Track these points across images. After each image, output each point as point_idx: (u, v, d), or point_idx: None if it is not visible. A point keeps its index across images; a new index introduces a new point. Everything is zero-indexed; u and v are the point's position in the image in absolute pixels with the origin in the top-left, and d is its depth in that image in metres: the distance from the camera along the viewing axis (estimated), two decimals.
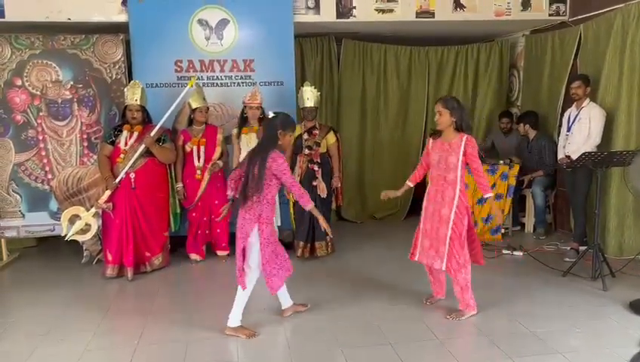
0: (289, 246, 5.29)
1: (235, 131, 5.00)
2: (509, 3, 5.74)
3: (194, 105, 4.92)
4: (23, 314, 3.98)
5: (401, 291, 4.09)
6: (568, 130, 5.04)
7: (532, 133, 5.91)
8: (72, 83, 5.08)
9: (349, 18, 5.56)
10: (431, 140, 3.76)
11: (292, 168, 5.07)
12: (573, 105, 5.05)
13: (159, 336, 3.50)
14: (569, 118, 5.07)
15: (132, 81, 4.86)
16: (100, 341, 3.47)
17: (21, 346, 3.39)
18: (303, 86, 5.08)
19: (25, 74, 5.01)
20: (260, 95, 4.91)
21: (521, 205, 6.19)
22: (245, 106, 4.91)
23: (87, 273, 4.90)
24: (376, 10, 5.58)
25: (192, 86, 4.88)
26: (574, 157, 4.64)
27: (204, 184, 4.95)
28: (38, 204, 5.15)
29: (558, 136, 5.49)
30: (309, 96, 4.96)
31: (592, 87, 4.97)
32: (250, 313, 3.62)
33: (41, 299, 4.25)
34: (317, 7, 5.49)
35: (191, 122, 5.03)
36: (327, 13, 5.51)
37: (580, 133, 4.90)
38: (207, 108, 5.00)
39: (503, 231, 5.81)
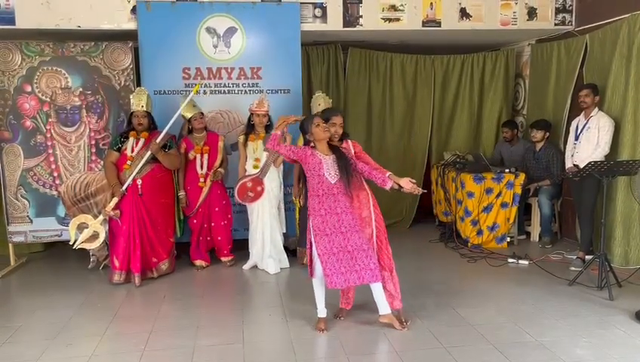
0: (294, 253, 5.33)
1: (241, 138, 5.03)
2: (515, 13, 5.77)
3: (188, 116, 4.96)
4: (31, 318, 4.00)
5: (407, 299, 4.08)
6: (576, 138, 5.04)
7: (541, 142, 5.90)
8: (81, 89, 5.14)
9: (355, 27, 5.60)
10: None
11: (300, 176, 5.10)
12: (582, 114, 5.06)
13: (166, 342, 3.51)
14: (577, 127, 5.07)
15: (138, 88, 4.91)
16: (107, 346, 3.48)
17: (28, 351, 3.41)
18: (315, 93, 5.09)
19: (35, 80, 5.07)
20: (267, 102, 4.94)
21: (527, 214, 6.19)
22: (252, 114, 4.94)
23: (94, 278, 4.93)
24: (383, 19, 5.61)
25: (196, 92, 4.93)
26: (582, 166, 4.64)
27: (205, 191, 4.99)
28: (46, 210, 5.19)
29: (564, 145, 5.50)
30: (321, 102, 4.99)
31: (599, 96, 4.98)
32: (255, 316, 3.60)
33: (48, 303, 4.28)
34: (324, 16, 5.53)
35: (190, 131, 5.07)
36: (334, 22, 5.55)
37: (589, 142, 4.89)
38: (202, 114, 5.03)
39: (508, 239, 5.81)
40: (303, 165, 3.58)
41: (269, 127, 4.98)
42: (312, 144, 3.56)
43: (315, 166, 3.49)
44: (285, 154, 3.59)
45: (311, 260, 3.69)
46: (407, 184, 3.55)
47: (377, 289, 3.58)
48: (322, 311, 3.64)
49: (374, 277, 3.51)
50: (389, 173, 3.63)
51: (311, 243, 3.60)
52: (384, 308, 3.61)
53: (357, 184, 3.70)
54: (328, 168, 3.50)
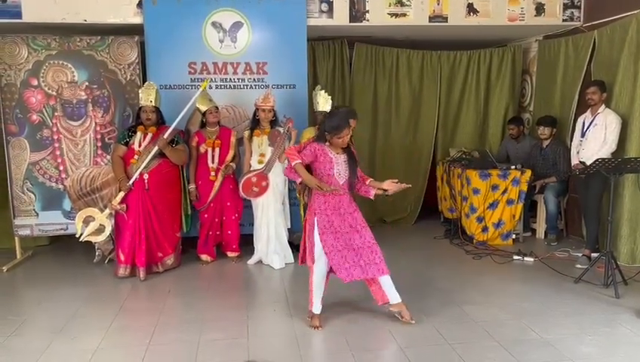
0: (298, 248, 5.32)
1: (246, 133, 5.03)
2: (522, 8, 5.73)
3: (203, 109, 4.96)
4: (36, 311, 4.02)
5: (412, 295, 4.07)
6: (582, 135, 5.01)
7: (548, 139, 5.87)
8: (87, 84, 5.14)
9: (362, 22, 5.57)
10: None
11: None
12: (588, 110, 5.03)
13: (170, 336, 3.52)
14: (583, 123, 5.04)
15: (146, 83, 4.91)
16: (112, 340, 3.50)
17: (34, 344, 3.42)
18: (314, 90, 5.09)
19: (41, 74, 5.07)
20: (273, 98, 4.93)
21: (532, 211, 6.16)
22: (257, 109, 4.94)
23: (99, 272, 4.95)
24: (390, 14, 5.59)
25: (204, 88, 4.93)
26: (588, 163, 4.61)
27: (217, 185, 4.98)
28: (52, 203, 5.21)
29: (571, 141, 5.46)
30: (320, 100, 4.98)
31: (606, 93, 4.94)
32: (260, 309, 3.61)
33: (53, 297, 4.30)
34: (330, 11, 5.51)
35: (203, 124, 5.06)
36: (341, 17, 5.53)
37: (595, 139, 4.86)
38: (217, 108, 5.03)
39: (514, 236, 5.79)
40: (312, 163, 3.53)
41: (274, 123, 4.98)
42: (327, 143, 3.50)
43: (326, 165, 3.49)
44: (305, 162, 3.48)
45: (304, 249, 3.70)
46: (390, 185, 3.58)
47: (385, 281, 3.62)
48: (318, 308, 3.65)
49: (380, 271, 3.56)
50: (369, 181, 3.65)
51: (307, 232, 3.63)
52: (395, 297, 3.65)
53: None
54: (338, 168, 3.50)
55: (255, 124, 4.99)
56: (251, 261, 5.12)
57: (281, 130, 4.93)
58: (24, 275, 5.00)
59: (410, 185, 3.71)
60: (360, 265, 3.53)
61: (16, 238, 5.27)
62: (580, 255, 5.02)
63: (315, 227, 3.53)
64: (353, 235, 3.55)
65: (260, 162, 4.90)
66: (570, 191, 5.97)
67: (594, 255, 4.78)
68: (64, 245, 5.76)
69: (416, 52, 6.65)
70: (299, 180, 3.53)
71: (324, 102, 4.97)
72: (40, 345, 3.40)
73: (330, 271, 3.65)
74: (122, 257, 4.68)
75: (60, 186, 5.19)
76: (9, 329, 3.66)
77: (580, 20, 5.81)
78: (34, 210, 5.20)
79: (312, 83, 6.07)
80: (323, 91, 5.04)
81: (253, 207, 5.07)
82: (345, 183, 3.54)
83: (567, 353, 3.20)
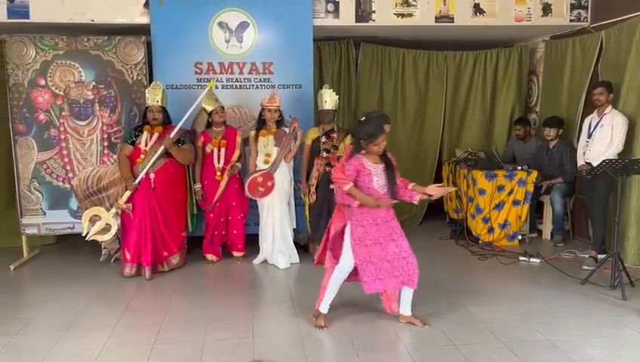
0: (305, 249, 5.33)
1: (252, 133, 5.04)
2: (529, 9, 5.71)
3: (209, 109, 4.97)
4: (43, 310, 4.04)
5: (417, 296, 4.04)
6: (589, 136, 4.99)
7: (555, 140, 5.85)
8: (94, 83, 5.16)
9: (368, 22, 5.57)
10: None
11: (309, 171, 5.10)
12: (595, 111, 5.00)
13: (176, 335, 3.53)
14: (590, 124, 5.02)
15: (153, 83, 4.93)
16: (118, 338, 3.51)
17: (40, 342, 3.44)
18: (321, 88, 5.10)
19: (49, 74, 5.10)
20: (279, 98, 4.94)
21: (539, 211, 6.14)
22: (263, 109, 4.94)
23: (105, 271, 4.97)
24: (396, 14, 5.58)
25: (211, 88, 4.94)
26: (595, 164, 4.60)
27: (223, 185, 4.99)
28: (59, 202, 5.23)
29: (577, 142, 5.44)
30: (327, 99, 4.98)
31: (613, 94, 4.91)
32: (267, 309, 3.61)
33: (60, 295, 4.33)
34: (336, 11, 5.51)
35: (209, 124, 5.07)
36: (347, 17, 5.53)
37: (602, 140, 4.84)
38: (223, 108, 5.04)
39: (520, 237, 5.77)
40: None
41: (280, 123, 4.98)
42: (362, 151, 3.47)
43: (365, 178, 3.44)
44: (353, 180, 3.43)
45: (324, 249, 3.69)
46: (435, 190, 3.53)
47: (406, 294, 3.61)
48: (326, 308, 3.65)
49: (411, 283, 3.53)
50: (412, 185, 3.57)
51: (329, 232, 3.62)
52: (406, 310, 3.64)
53: None
54: (378, 179, 3.45)
55: (261, 124, 5.00)
56: (256, 261, 5.13)
57: (287, 130, 4.94)
58: (31, 274, 5.03)
59: (456, 188, 3.64)
60: (394, 276, 3.51)
61: (23, 237, 5.30)
62: (587, 256, 5.00)
63: (348, 234, 3.49)
64: (389, 245, 3.51)
65: (266, 162, 4.91)
66: (576, 192, 5.94)
67: (600, 256, 4.76)
68: (71, 244, 5.79)
69: (423, 52, 6.64)
70: (356, 203, 3.44)
71: (330, 100, 4.98)
72: (46, 343, 3.42)
73: (354, 279, 3.62)
74: (128, 256, 4.70)
75: (67, 185, 5.21)
76: (16, 327, 3.68)
77: (587, 21, 5.79)
78: (41, 209, 5.23)
79: (317, 83, 6.07)
80: (331, 90, 5.04)
81: (258, 207, 5.08)
82: (385, 193, 3.48)
83: (573, 354, 3.18)
